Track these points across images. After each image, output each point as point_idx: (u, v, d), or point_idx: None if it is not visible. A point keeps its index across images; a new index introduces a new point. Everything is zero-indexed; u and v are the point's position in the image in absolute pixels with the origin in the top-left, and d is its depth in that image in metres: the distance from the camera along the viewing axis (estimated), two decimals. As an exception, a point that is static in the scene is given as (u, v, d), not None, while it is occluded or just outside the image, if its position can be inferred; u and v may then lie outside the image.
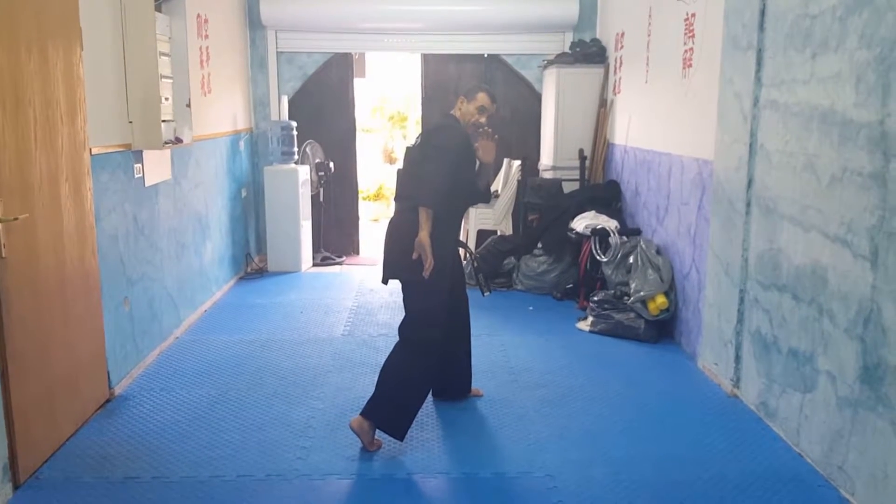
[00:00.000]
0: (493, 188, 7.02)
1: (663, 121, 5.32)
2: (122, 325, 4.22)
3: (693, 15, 4.74)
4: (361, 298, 6.21)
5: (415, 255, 3.40)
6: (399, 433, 3.48)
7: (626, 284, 5.20)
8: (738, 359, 4.06)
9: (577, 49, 6.97)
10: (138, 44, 4.26)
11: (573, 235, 5.96)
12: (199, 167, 5.71)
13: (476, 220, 7.01)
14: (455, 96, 3.75)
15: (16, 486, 3.08)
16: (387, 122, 14.40)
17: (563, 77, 6.84)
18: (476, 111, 3.65)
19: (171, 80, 4.77)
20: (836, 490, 3.10)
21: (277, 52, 7.47)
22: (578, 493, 3.11)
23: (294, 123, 7.12)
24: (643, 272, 5.08)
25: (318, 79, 7.63)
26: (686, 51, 4.84)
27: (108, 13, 4.10)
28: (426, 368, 3.56)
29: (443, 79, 7.72)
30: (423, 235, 3.37)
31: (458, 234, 3.83)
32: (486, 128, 3.65)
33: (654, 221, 5.51)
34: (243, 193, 7.03)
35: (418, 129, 4.81)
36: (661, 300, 4.95)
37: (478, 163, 3.69)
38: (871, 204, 2.86)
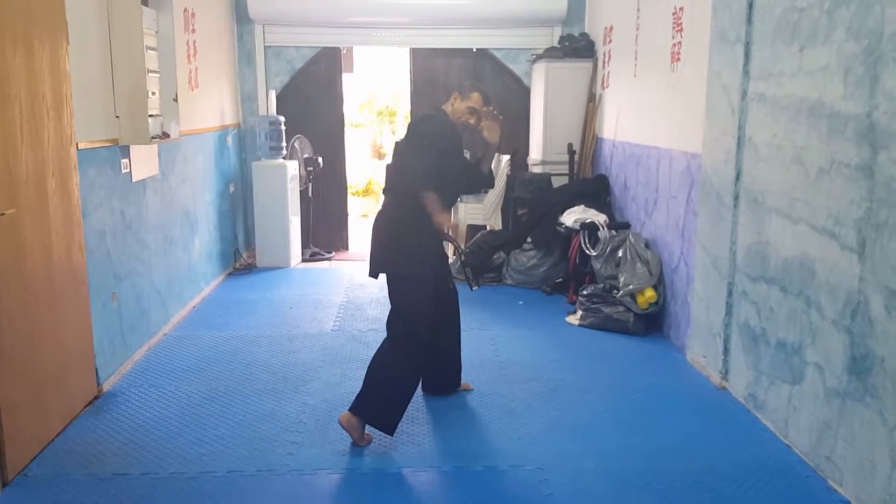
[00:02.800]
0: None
1: (652, 115, 5.33)
2: (110, 321, 4.19)
3: (681, 9, 4.74)
4: (351, 294, 6.20)
5: (449, 243, 3.40)
6: (388, 428, 3.47)
7: (616, 278, 5.21)
8: (726, 351, 4.08)
9: (566, 43, 6.98)
10: (125, 38, 4.23)
11: (562, 230, 5.97)
12: (187, 162, 5.68)
13: (465, 215, 7.01)
14: (444, 90, 3.75)
15: (4, 484, 3.06)
16: (375, 117, 14.37)
17: (552, 71, 6.84)
18: (466, 110, 3.64)
19: (157, 75, 4.73)
20: (825, 480, 3.12)
21: (265, 47, 7.43)
22: (569, 485, 3.12)
23: (282, 118, 7.09)
24: (632, 266, 5.09)
25: (306, 73, 7.59)
26: (674, 44, 4.85)
27: (94, 7, 4.06)
28: (413, 362, 3.55)
29: (431, 73, 7.69)
30: (442, 219, 3.36)
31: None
32: (490, 109, 3.63)
33: (642, 215, 5.52)
34: (231, 189, 7.00)
35: (407, 124, 4.76)
36: (649, 294, 4.96)
37: (484, 144, 3.69)
38: (859, 196, 2.87)
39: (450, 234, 3.45)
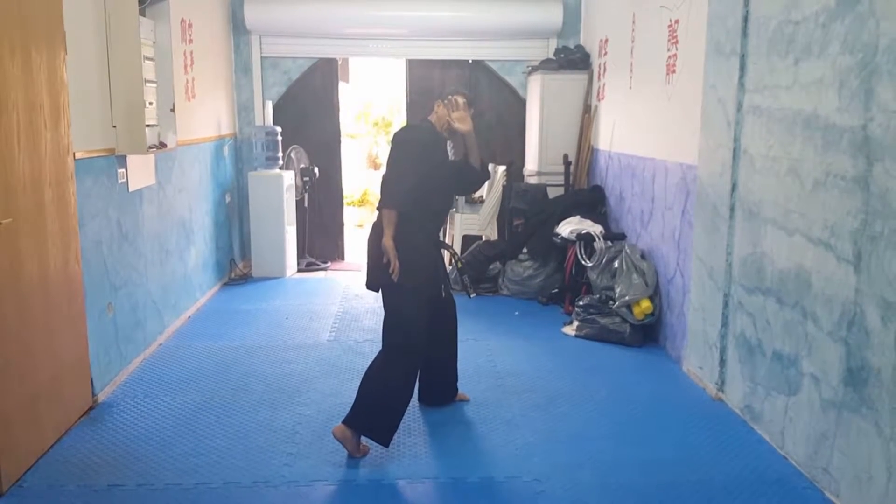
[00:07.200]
0: (477, 193, 7.06)
1: (647, 126, 5.35)
2: (106, 332, 4.18)
3: (676, 21, 4.77)
4: (346, 304, 6.20)
5: (385, 260, 3.40)
6: (383, 439, 3.46)
7: (611, 289, 5.22)
8: (722, 362, 4.09)
9: (562, 55, 7.01)
10: (122, 48, 4.24)
11: (558, 240, 5.98)
12: (184, 172, 5.68)
13: (461, 226, 7.02)
14: (440, 101, 3.73)
15: (-2, 495, 3.04)
16: (371, 127, 14.39)
17: (548, 83, 6.87)
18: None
19: (155, 85, 4.74)
20: (821, 492, 3.13)
21: (262, 57, 7.45)
22: (566, 497, 3.11)
23: (278, 129, 7.09)
24: (628, 277, 5.10)
25: (302, 84, 7.61)
26: (670, 57, 4.88)
27: (92, 17, 4.07)
28: (406, 373, 3.53)
29: (427, 84, 7.72)
30: (387, 239, 3.39)
31: (436, 236, 3.78)
32: (448, 98, 3.60)
33: (638, 226, 5.54)
34: (227, 199, 7.00)
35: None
36: (645, 305, 4.97)
37: (462, 146, 3.67)
38: (854, 207, 2.89)
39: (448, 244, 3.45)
